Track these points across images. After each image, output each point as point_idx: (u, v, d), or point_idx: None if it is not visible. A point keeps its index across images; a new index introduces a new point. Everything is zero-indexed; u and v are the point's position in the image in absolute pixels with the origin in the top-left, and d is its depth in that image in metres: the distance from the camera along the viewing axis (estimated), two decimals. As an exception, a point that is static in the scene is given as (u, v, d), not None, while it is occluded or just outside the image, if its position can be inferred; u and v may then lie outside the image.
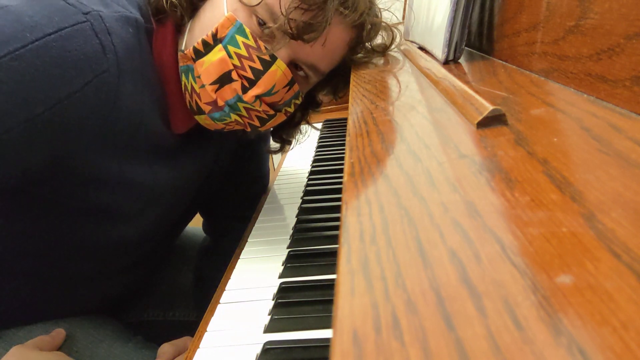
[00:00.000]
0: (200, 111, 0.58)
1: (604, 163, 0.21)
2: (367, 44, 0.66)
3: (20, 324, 0.67)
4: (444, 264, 0.18)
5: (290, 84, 0.57)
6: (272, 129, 0.77)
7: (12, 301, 0.65)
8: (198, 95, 0.56)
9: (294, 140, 0.79)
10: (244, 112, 0.57)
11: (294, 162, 1.07)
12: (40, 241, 0.59)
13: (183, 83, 0.58)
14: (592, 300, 0.14)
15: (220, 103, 0.56)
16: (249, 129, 0.61)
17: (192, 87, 0.56)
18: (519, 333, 0.14)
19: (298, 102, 0.62)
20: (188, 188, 0.71)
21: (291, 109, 0.62)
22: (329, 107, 1.38)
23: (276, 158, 2.13)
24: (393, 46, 0.73)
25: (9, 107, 0.42)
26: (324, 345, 0.46)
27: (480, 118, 0.30)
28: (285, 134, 0.77)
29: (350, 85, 0.61)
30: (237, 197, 0.89)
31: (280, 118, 0.62)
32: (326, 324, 0.49)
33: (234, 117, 0.57)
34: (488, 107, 0.30)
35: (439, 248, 0.19)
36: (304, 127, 0.81)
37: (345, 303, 0.18)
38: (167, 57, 0.57)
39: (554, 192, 0.20)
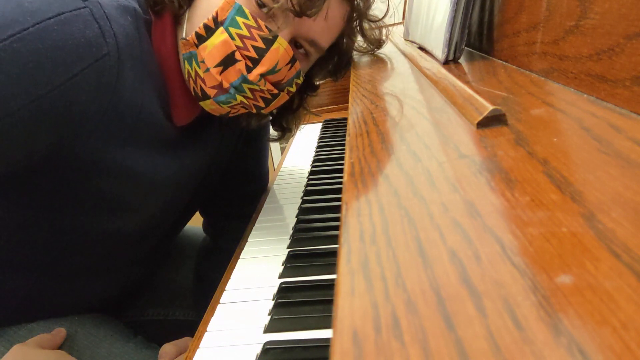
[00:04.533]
0: (206, 96, 0.58)
1: (604, 163, 0.21)
2: (363, 18, 0.68)
3: (22, 323, 0.67)
4: (444, 264, 0.18)
5: (292, 61, 0.58)
6: (271, 117, 0.78)
7: (14, 299, 0.65)
8: (203, 80, 0.57)
9: (293, 127, 0.79)
10: (248, 94, 0.58)
11: (294, 162, 1.08)
12: (41, 233, 0.59)
13: (187, 70, 0.58)
14: (592, 300, 0.14)
15: (226, 85, 0.56)
16: (254, 111, 0.62)
17: (197, 73, 0.57)
18: (519, 333, 0.14)
19: (299, 81, 0.63)
20: (188, 182, 0.71)
21: (293, 89, 0.63)
22: (329, 107, 1.38)
23: (276, 158, 2.14)
24: (385, 32, 0.74)
25: (12, 90, 0.43)
26: (324, 345, 0.46)
27: (480, 118, 0.30)
28: (284, 121, 0.77)
29: (350, 85, 0.61)
30: (236, 195, 0.89)
31: (283, 98, 0.62)
32: (326, 324, 0.49)
33: (239, 98, 0.58)
34: (488, 107, 0.30)
35: (439, 248, 0.19)
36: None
37: (345, 303, 0.18)
38: (167, 48, 0.57)
39: (554, 192, 0.20)
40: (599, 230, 0.17)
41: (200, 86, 0.57)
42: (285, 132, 0.79)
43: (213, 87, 0.57)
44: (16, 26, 0.42)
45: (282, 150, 1.32)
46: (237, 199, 0.89)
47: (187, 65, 0.58)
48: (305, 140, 1.19)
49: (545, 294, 0.15)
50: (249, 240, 0.72)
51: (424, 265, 0.18)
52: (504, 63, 0.48)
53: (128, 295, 0.84)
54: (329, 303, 0.52)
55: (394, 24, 0.74)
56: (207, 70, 0.56)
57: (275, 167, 1.11)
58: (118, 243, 0.67)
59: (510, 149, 0.26)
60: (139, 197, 0.62)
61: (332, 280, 0.55)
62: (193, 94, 0.60)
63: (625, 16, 0.27)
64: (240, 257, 0.67)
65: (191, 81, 0.58)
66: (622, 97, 0.27)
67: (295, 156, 1.11)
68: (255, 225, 0.77)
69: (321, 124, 1.29)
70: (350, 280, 0.19)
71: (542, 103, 0.32)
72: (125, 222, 0.63)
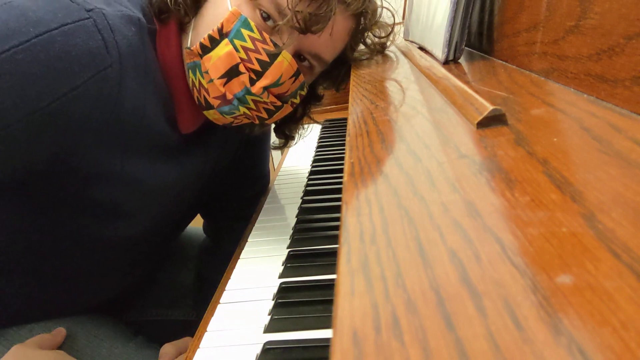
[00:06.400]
0: (209, 106, 0.58)
1: (604, 163, 0.21)
2: (367, 32, 0.68)
3: (22, 323, 0.67)
4: (444, 264, 0.18)
5: (296, 74, 0.58)
6: (274, 125, 0.78)
7: (14, 300, 0.65)
8: (206, 90, 0.57)
9: (296, 135, 0.79)
10: (252, 105, 0.58)
11: (294, 162, 1.07)
12: (41, 238, 0.60)
13: (190, 80, 0.58)
14: (592, 300, 0.14)
15: (229, 96, 0.56)
16: (257, 122, 0.62)
17: (200, 83, 0.57)
18: (519, 333, 0.14)
19: (303, 93, 0.63)
20: (189, 187, 0.71)
21: (297, 100, 0.63)
22: (329, 107, 1.38)
23: (276, 158, 2.14)
24: (388, 43, 0.74)
25: (14, 100, 0.43)
26: (324, 345, 0.46)
27: (480, 118, 0.30)
28: (287, 130, 0.77)
29: (350, 85, 0.61)
30: (237, 198, 0.89)
31: (287, 110, 0.62)
32: (326, 324, 0.49)
33: (242, 110, 0.58)
34: (488, 107, 0.30)
35: (439, 248, 0.19)
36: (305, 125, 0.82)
37: (345, 303, 0.18)
38: (172, 56, 0.57)
39: (554, 192, 0.20)
40: (599, 230, 0.17)
41: (204, 96, 0.57)
42: (289, 140, 0.79)
43: (216, 98, 0.57)
44: (19, 37, 0.42)
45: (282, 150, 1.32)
46: (238, 201, 0.89)
47: (191, 75, 0.58)
48: (305, 140, 1.19)
49: (545, 294, 0.15)
50: (249, 240, 0.72)
51: (424, 265, 0.18)
52: (504, 63, 0.48)
53: (128, 296, 0.84)
54: (329, 303, 0.52)
55: (394, 24, 0.74)
56: (211, 81, 0.55)
57: (275, 167, 1.10)
58: (119, 247, 0.67)
59: (510, 149, 0.26)
60: (140, 203, 0.62)
61: (332, 280, 0.55)
62: (197, 102, 0.60)
63: (625, 16, 0.27)
64: (240, 257, 0.67)
65: (195, 90, 0.58)
66: (622, 97, 0.27)
67: (295, 156, 1.11)
68: (255, 225, 0.77)
69: (321, 124, 1.29)
70: (350, 280, 0.19)
71: (542, 103, 0.32)
72: (126, 227, 0.63)
